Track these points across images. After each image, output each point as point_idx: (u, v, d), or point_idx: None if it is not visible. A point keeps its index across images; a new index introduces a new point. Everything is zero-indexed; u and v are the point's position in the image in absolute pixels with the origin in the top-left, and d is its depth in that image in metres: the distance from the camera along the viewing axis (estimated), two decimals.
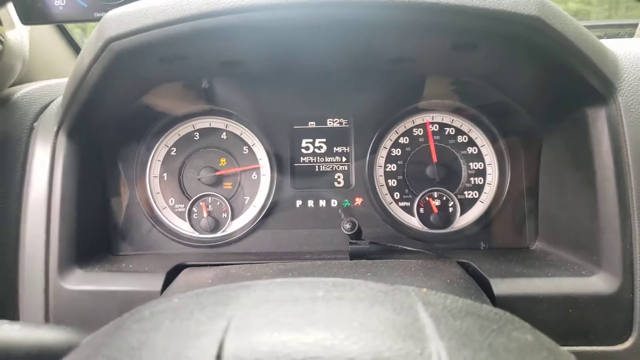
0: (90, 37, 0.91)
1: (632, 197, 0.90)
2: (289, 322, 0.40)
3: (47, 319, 0.98)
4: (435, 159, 1.23)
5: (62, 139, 1.04)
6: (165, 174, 1.24)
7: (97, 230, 1.15)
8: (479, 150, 1.25)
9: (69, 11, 1.08)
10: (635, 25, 1.54)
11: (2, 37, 0.99)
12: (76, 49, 1.56)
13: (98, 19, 1.06)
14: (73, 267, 1.01)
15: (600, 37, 0.95)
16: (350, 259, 1.08)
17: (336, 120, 1.26)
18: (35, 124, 1.08)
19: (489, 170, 1.24)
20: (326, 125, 1.26)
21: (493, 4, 0.81)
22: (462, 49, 0.94)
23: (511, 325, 0.44)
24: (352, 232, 1.08)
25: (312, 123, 1.26)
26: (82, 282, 0.99)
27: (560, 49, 0.86)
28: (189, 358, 0.35)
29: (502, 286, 0.91)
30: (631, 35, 1.47)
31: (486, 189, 1.24)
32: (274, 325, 0.39)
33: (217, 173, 1.23)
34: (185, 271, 1.01)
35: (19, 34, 1.09)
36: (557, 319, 0.90)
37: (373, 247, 1.10)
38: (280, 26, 0.85)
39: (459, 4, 0.80)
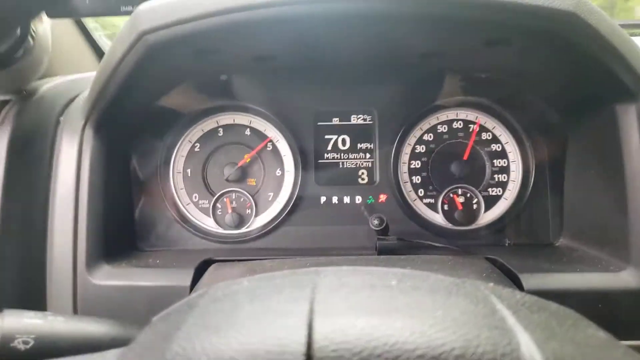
0: (122, 30, 0.90)
1: None
2: (372, 307, 0.39)
3: (75, 313, 0.97)
4: (466, 157, 1.23)
5: (89, 133, 1.03)
6: (189, 170, 1.24)
7: (123, 226, 1.14)
8: (503, 148, 1.25)
9: (95, 5, 1.07)
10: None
11: (34, 31, 0.99)
12: (93, 44, 1.55)
13: (125, 13, 1.05)
14: (101, 262, 1.00)
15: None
16: (379, 255, 1.07)
17: (360, 117, 1.26)
18: (61, 117, 1.07)
19: (512, 167, 1.24)
20: (350, 121, 1.26)
21: None
22: (495, 44, 0.93)
23: (583, 322, 0.44)
24: (380, 227, 1.07)
25: (336, 119, 1.26)
26: (110, 277, 0.98)
27: (594, 45, 0.86)
28: (280, 339, 0.35)
29: (531, 281, 0.90)
30: (633, 35, 1.47)
31: (510, 185, 1.24)
32: (358, 310, 0.39)
33: (239, 164, 1.23)
34: (213, 266, 1.00)
35: (46, 28, 1.08)
36: (587, 314, 0.87)
37: (400, 243, 1.10)
38: (313, 20, 0.84)
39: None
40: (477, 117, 1.25)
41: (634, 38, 0.96)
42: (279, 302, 0.41)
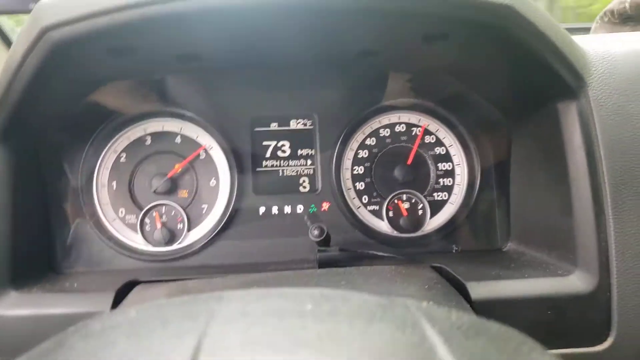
0: (24, 27, 0.81)
1: (606, 193, 0.88)
2: (274, 341, 0.32)
3: None
4: (409, 162, 1.20)
5: None
6: (114, 183, 1.14)
7: (37, 246, 1.03)
8: (447, 150, 1.22)
9: (1, 1, 0.98)
10: (588, 29, 1.58)
11: None
12: (6, 41, 1.42)
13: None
14: (7, 288, 0.89)
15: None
16: (319, 268, 1.02)
17: (300, 121, 1.20)
18: None
19: (457, 170, 1.21)
20: (289, 126, 1.20)
21: None
22: (433, 39, 0.90)
23: (526, 346, 0.39)
24: (320, 239, 1.01)
25: (274, 124, 1.20)
26: (17, 305, 0.87)
27: (533, 40, 0.84)
28: None
29: (478, 290, 0.87)
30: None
31: (455, 189, 1.21)
32: (256, 345, 0.31)
33: (169, 175, 1.14)
34: (137, 288, 0.91)
35: None
36: (536, 321, 0.88)
37: (342, 254, 1.05)
38: (240, 13, 0.78)
39: None
40: (420, 119, 1.21)
41: (585, 35, 0.97)
42: (162, 338, 0.33)
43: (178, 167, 1.15)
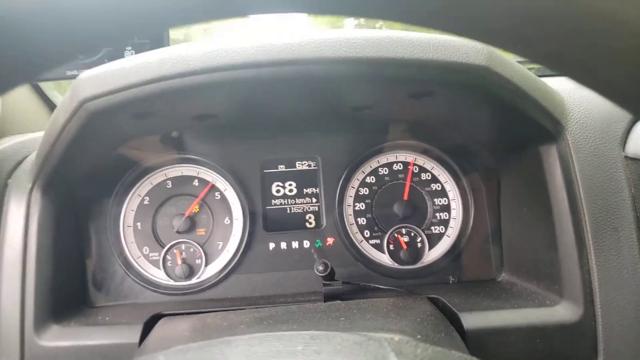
0: (65, 97, 0.94)
1: (587, 228, 0.95)
2: None
3: None
4: (406, 197, 1.28)
5: (36, 195, 1.05)
6: (138, 223, 1.26)
7: (73, 284, 1.15)
8: (443, 187, 1.31)
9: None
10: None
11: None
12: (47, 102, 1.58)
13: (70, 77, 1.09)
14: (49, 322, 1.01)
15: (541, 75, 1.03)
16: (325, 301, 1.10)
17: (305, 163, 1.31)
18: (9, 180, 1.09)
19: (453, 205, 1.30)
20: (295, 167, 1.31)
21: (445, 55, 0.87)
22: (419, 97, 0.99)
23: None
24: (325, 273, 1.11)
25: (281, 166, 1.30)
26: (59, 338, 0.99)
27: (510, 94, 0.92)
28: None
29: (471, 320, 0.94)
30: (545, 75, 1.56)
31: (452, 223, 1.29)
32: None
33: (186, 214, 1.25)
34: (162, 321, 1.02)
35: None
36: (526, 349, 0.94)
37: (346, 287, 1.13)
38: (248, 83, 0.89)
39: (414, 57, 0.86)
40: (415, 158, 1.31)
41: (545, 79, 1.04)
42: None
43: (194, 206, 1.26)
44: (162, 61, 0.86)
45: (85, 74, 0.90)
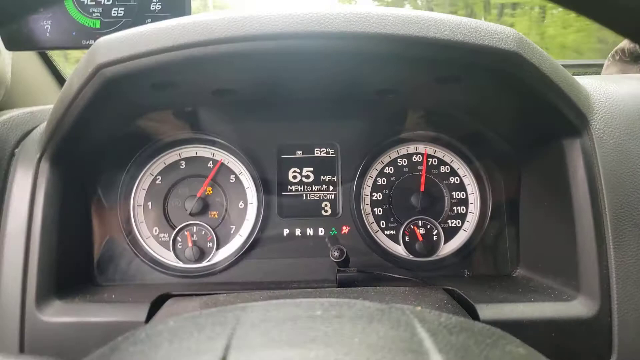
0: (80, 63, 0.91)
1: (607, 224, 0.93)
2: (290, 339, 0.39)
3: (22, 352, 0.94)
4: (423, 188, 1.25)
5: (44, 166, 1.02)
6: (149, 203, 1.23)
7: (78, 260, 1.12)
8: (461, 180, 1.28)
9: (56, 38, 1.08)
10: (601, 66, 1.63)
11: None
12: (58, 76, 1.55)
13: (86, 47, 1.07)
14: (52, 298, 0.97)
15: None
16: (339, 287, 1.07)
17: (323, 150, 1.28)
18: (16, 150, 1.06)
19: (470, 199, 1.27)
20: (313, 154, 1.28)
21: (475, 39, 0.85)
22: (446, 81, 0.97)
23: (504, 340, 0.45)
24: (340, 259, 1.08)
25: (299, 152, 1.28)
26: (61, 313, 0.95)
27: (538, 83, 0.90)
28: None
29: (487, 312, 0.92)
30: (597, 74, 1.55)
31: (469, 217, 1.26)
32: (275, 342, 0.39)
33: (198, 194, 1.22)
34: (170, 301, 0.99)
35: (2, 60, 1.08)
36: (541, 343, 0.88)
37: (361, 275, 1.10)
38: (271, 55, 0.87)
39: (444, 38, 0.84)
40: (435, 151, 1.28)
41: (590, 76, 1.02)
42: (198, 341, 0.41)
43: (205, 186, 1.23)
44: (185, 28, 0.83)
45: (103, 39, 0.88)
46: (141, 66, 0.85)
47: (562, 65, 0.96)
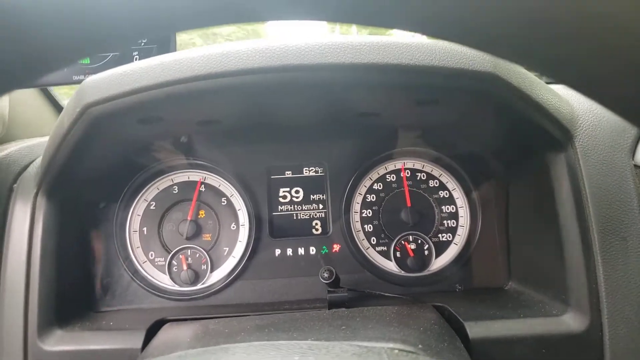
0: (69, 102, 0.94)
1: (594, 237, 0.94)
2: None
3: None
4: (409, 204, 1.27)
5: (41, 200, 1.05)
6: (145, 228, 1.26)
7: (78, 288, 1.15)
8: (450, 194, 1.29)
9: (49, 75, 1.12)
10: None
11: None
12: (56, 106, 1.59)
13: (76, 82, 1.10)
14: (53, 327, 1.01)
15: (549, 83, 1.01)
16: (329, 309, 1.09)
17: (312, 169, 1.30)
18: (14, 185, 1.10)
19: (460, 212, 1.28)
20: (302, 174, 1.30)
21: (451, 62, 0.86)
22: (425, 104, 0.99)
23: None
24: (330, 280, 1.09)
25: (288, 172, 1.30)
26: (62, 342, 0.99)
27: (518, 101, 0.91)
28: None
29: (476, 329, 0.93)
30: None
31: (459, 231, 1.28)
32: None
33: (189, 217, 1.24)
34: (165, 327, 1.02)
35: (2, 98, 1.12)
36: (532, 359, 0.92)
37: (351, 294, 1.12)
38: (253, 88, 0.89)
39: (420, 64, 0.86)
40: (423, 165, 1.30)
41: (555, 86, 1.03)
42: None
43: (192, 207, 1.25)
44: (166, 66, 0.86)
45: (90, 79, 0.91)
46: (126, 104, 0.89)
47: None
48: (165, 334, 0.99)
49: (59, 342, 0.99)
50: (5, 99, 1.19)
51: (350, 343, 0.53)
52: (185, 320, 1.04)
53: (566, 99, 1.02)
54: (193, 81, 0.86)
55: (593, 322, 0.92)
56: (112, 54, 1.11)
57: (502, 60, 0.89)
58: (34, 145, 1.19)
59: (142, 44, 1.10)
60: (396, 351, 0.52)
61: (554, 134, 0.97)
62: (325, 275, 1.10)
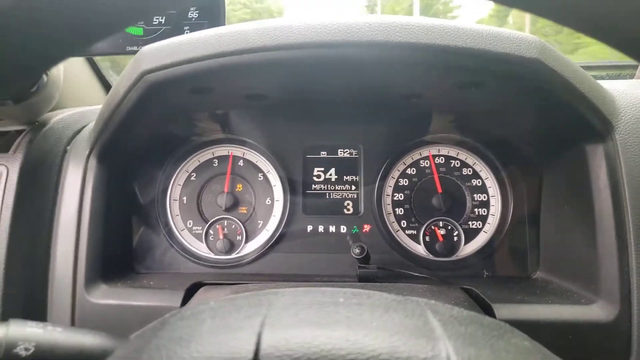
0: (126, 69, 0.99)
1: (630, 229, 0.94)
2: (316, 320, 0.46)
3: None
4: (440, 190, 1.30)
5: (92, 162, 1.11)
6: (184, 198, 1.31)
7: (121, 249, 1.21)
8: (483, 182, 1.31)
9: (104, 45, 1.17)
10: (636, 67, 1.62)
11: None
12: (101, 79, 1.65)
13: (130, 53, 1.15)
14: (98, 282, 1.07)
15: (602, 78, 1.01)
16: (359, 282, 1.13)
17: (346, 151, 1.33)
18: (68, 147, 1.16)
19: (492, 201, 1.30)
20: (337, 155, 1.33)
21: (497, 47, 0.87)
22: (467, 87, 1.00)
23: (510, 334, 0.50)
24: (361, 256, 1.13)
25: (323, 153, 1.33)
26: (107, 296, 1.04)
27: (560, 89, 0.91)
28: (232, 347, 0.41)
29: (504, 311, 0.94)
30: (632, 76, 1.55)
31: (489, 219, 1.29)
32: (303, 323, 0.45)
33: (225, 189, 1.29)
34: (202, 289, 1.06)
35: (59, 66, 1.17)
36: (558, 345, 0.89)
37: (381, 271, 1.15)
38: (301, 63, 0.92)
39: (466, 46, 0.87)
40: (458, 153, 1.32)
41: (621, 80, 1.02)
42: (237, 319, 0.47)
43: (227, 180, 1.31)
44: (222, 37, 0.90)
45: (147, 48, 0.95)
46: (181, 72, 0.92)
47: (595, 66, 0.96)
48: (203, 295, 1.03)
49: (104, 296, 1.04)
50: (61, 67, 1.25)
51: (389, 293, 0.56)
52: (222, 284, 1.09)
53: (608, 91, 1.02)
54: (247, 53, 0.89)
55: (622, 312, 0.92)
56: (164, 27, 1.16)
57: (547, 47, 0.90)
58: (86, 112, 1.25)
59: (193, 18, 1.15)
60: (433, 301, 0.55)
61: (594, 124, 0.97)
62: (357, 250, 1.13)
